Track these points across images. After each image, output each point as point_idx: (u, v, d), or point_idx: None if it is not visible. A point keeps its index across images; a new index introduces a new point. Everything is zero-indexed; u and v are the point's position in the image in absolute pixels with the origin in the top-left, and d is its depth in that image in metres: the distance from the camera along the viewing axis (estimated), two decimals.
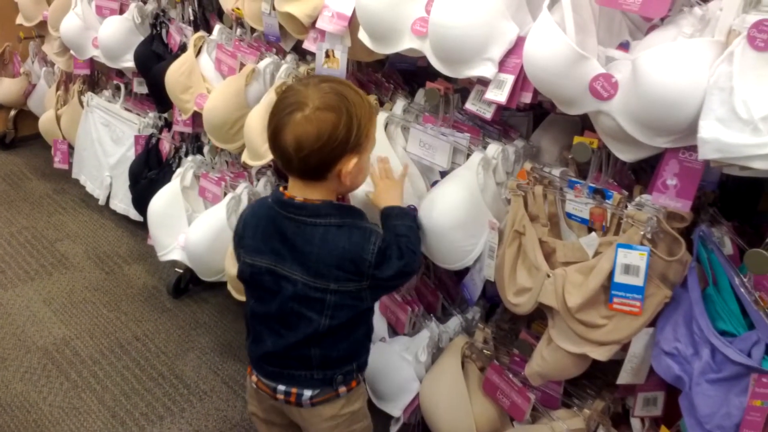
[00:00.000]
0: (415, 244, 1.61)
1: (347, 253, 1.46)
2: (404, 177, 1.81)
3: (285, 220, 1.48)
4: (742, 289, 1.36)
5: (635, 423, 1.68)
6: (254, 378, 1.64)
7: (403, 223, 1.63)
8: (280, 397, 1.59)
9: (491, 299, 2.04)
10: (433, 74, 1.85)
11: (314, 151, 1.40)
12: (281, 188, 1.53)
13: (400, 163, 1.87)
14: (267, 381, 1.60)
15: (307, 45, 2.05)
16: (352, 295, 1.50)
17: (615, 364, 1.59)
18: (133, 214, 3.23)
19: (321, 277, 1.47)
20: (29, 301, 2.82)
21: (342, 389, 1.59)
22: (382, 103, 2.08)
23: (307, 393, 1.57)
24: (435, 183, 1.89)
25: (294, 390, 1.57)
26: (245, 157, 2.31)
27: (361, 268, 1.47)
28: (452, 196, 1.71)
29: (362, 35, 1.83)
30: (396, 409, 1.99)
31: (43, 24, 3.52)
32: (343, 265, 1.46)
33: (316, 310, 1.49)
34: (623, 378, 1.56)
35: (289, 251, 1.48)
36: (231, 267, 2.33)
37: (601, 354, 1.53)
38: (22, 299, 2.82)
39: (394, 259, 1.51)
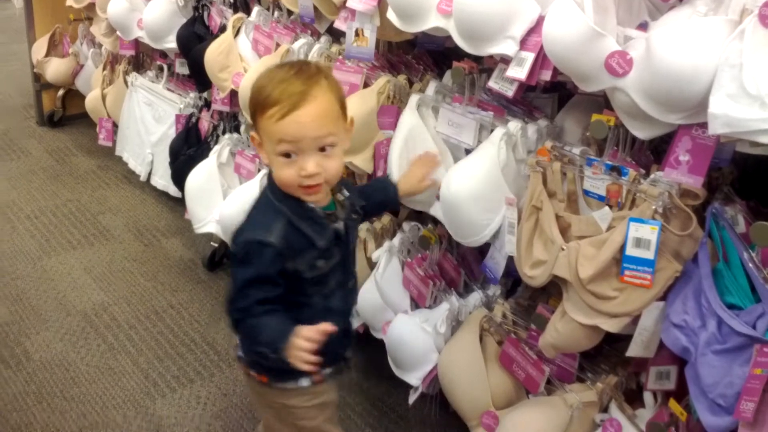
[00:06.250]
0: (245, 325, 1.42)
1: (239, 220, 1.47)
2: None
3: None
4: (751, 264, 1.39)
5: (647, 397, 1.71)
6: None
7: (273, 326, 1.39)
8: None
9: (513, 275, 2.08)
10: (460, 55, 1.90)
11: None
12: None
13: (434, 144, 1.93)
14: None
15: (338, 24, 2.12)
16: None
17: (629, 342, 1.61)
18: (173, 191, 3.33)
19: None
20: (71, 268, 2.95)
21: (252, 372, 1.54)
22: (411, 84, 2.14)
23: (240, 350, 1.58)
24: None
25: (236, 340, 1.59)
26: None
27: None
28: (471, 167, 1.76)
29: (390, 14, 1.89)
30: (415, 378, 2.06)
31: (91, 6, 3.64)
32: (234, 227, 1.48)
33: None
34: (633, 350, 1.60)
35: None
36: None
37: (612, 326, 1.56)
38: (64, 266, 2.96)
39: (237, 276, 1.40)
